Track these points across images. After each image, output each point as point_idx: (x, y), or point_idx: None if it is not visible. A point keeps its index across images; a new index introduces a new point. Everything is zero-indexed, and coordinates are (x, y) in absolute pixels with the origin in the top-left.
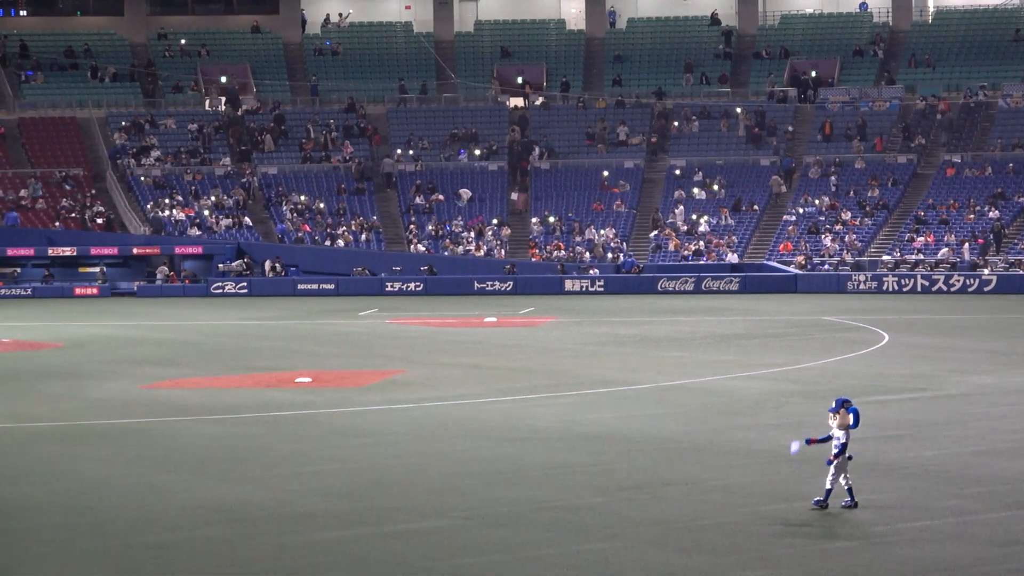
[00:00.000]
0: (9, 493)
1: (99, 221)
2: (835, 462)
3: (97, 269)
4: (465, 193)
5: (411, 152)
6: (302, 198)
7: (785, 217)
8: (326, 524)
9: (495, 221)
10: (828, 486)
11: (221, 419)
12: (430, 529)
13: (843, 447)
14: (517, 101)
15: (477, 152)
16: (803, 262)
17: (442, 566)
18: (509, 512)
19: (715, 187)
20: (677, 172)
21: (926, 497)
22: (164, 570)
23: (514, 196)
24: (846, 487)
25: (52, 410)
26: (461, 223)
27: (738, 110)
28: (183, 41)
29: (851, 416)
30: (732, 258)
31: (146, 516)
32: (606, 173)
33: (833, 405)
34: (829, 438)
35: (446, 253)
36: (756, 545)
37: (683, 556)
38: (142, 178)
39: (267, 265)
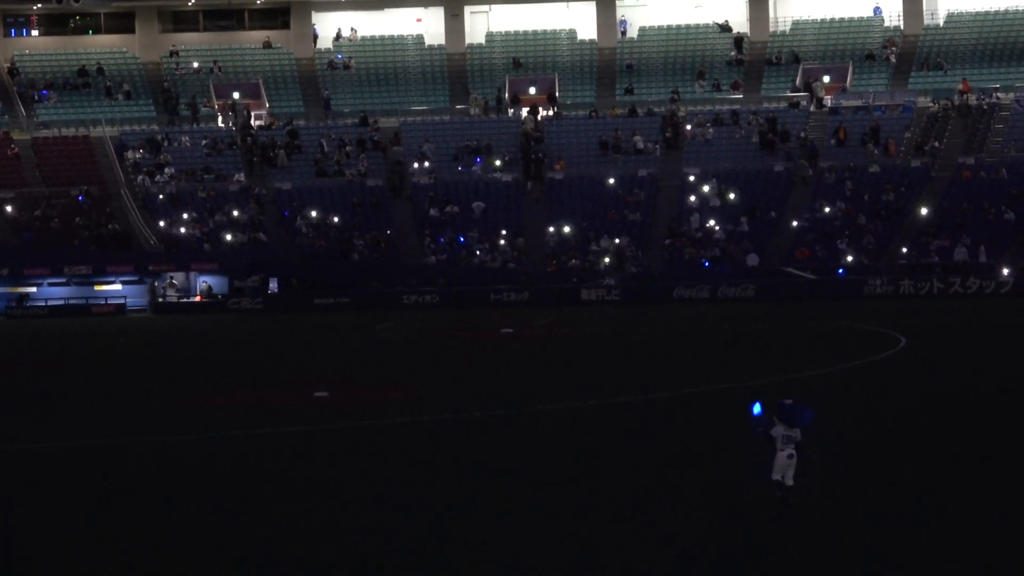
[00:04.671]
0: (33, 514)
1: (113, 239)
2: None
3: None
4: (478, 207)
5: (426, 164)
6: (313, 213)
7: (800, 223)
8: (349, 540)
9: (506, 231)
10: (790, 482)
11: (239, 434)
12: (449, 544)
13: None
14: (531, 123)
15: (497, 163)
16: (818, 267)
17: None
18: (528, 523)
19: (730, 194)
20: (691, 179)
21: (942, 499)
22: None
23: (529, 186)
24: (788, 483)
25: (72, 429)
26: (476, 235)
27: (751, 116)
28: (196, 64)
29: (796, 415)
30: (752, 259)
31: (168, 532)
32: (612, 181)
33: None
34: (770, 436)
35: (462, 265)
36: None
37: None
38: (159, 196)
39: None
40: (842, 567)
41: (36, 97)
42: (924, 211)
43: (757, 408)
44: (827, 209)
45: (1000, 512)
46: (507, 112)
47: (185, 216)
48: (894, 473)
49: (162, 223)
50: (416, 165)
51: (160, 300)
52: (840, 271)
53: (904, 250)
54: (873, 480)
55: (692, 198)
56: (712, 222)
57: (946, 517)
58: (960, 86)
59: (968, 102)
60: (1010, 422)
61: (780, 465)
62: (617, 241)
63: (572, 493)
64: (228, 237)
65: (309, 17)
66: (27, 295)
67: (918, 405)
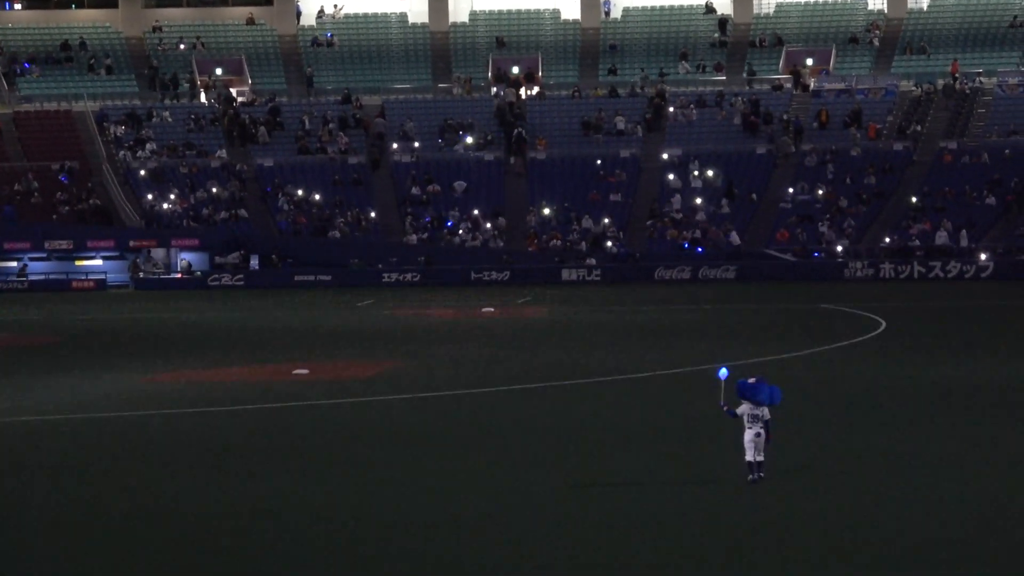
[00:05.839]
0: (15, 488)
1: (94, 214)
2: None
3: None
4: (460, 185)
5: (413, 144)
6: (299, 191)
7: (781, 205)
8: (332, 518)
9: (488, 211)
10: (760, 457)
11: (220, 411)
12: (431, 523)
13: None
14: (513, 96)
15: (470, 140)
16: (799, 250)
17: (451, 557)
18: (509, 513)
19: (711, 175)
20: (673, 161)
21: (921, 479)
22: (177, 568)
23: (511, 160)
24: (759, 458)
25: (54, 404)
26: (458, 213)
27: (734, 98)
28: (181, 44)
29: (756, 393)
30: (734, 238)
31: (154, 511)
32: (599, 162)
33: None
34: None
35: (443, 244)
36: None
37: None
38: (140, 172)
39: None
40: (813, 545)
41: (18, 71)
42: (905, 195)
43: (723, 372)
44: (812, 191)
45: (973, 496)
46: (490, 91)
47: (167, 192)
48: (867, 453)
49: (144, 199)
50: (397, 145)
51: (140, 275)
52: (816, 254)
53: (887, 238)
54: (846, 459)
55: (671, 176)
56: (695, 204)
57: (916, 494)
58: (949, 67)
59: (955, 85)
60: (985, 404)
61: (748, 444)
62: (603, 222)
63: (548, 473)
64: (209, 213)
65: None
66: (26, 266)
67: (897, 387)
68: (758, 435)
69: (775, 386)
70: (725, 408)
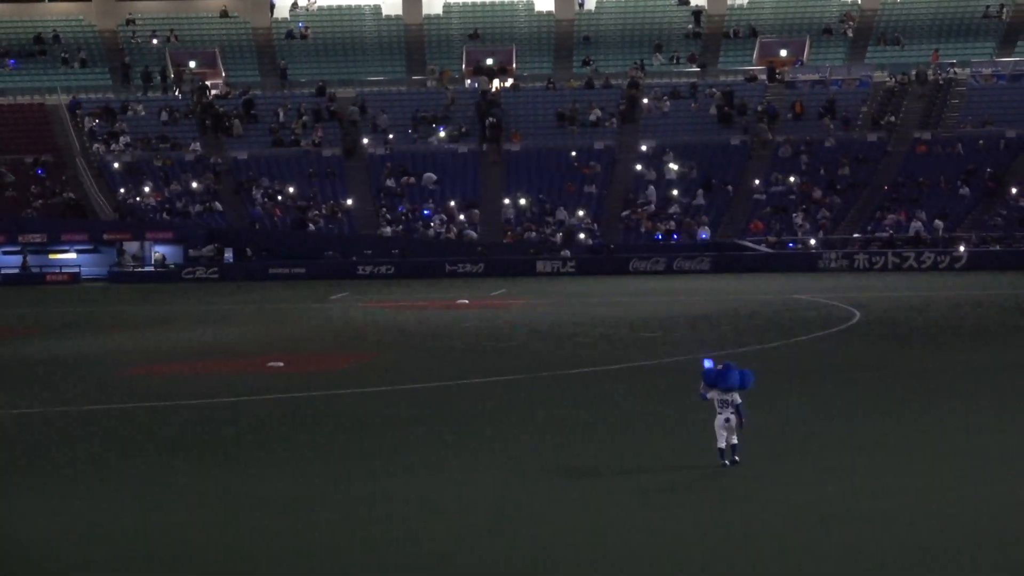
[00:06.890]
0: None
1: (68, 208)
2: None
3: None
4: (429, 178)
5: (388, 136)
6: (273, 184)
7: (756, 196)
8: (320, 508)
9: (462, 203)
10: (734, 441)
11: (195, 404)
12: (405, 514)
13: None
14: (487, 84)
15: (442, 134)
16: (774, 241)
17: (418, 549)
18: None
19: (686, 167)
20: (647, 151)
21: (894, 472)
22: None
23: (484, 148)
24: (733, 441)
25: (30, 397)
26: (432, 205)
27: (708, 90)
28: (154, 37)
29: (723, 379)
30: (704, 233)
31: (139, 504)
32: (574, 153)
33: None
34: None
35: (417, 236)
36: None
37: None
38: (115, 165)
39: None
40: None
41: None
42: (880, 185)
43: (708, 363)
44: (790, 179)
45: (969, 490)
46: (464, 83)
47: (141, 185)
48: (841, 442)
49: (118, 192)
50: (370, 139)
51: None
52: (791, 244)
53: (860, 224)
54: (818, 448)
55: (646, 167)
56: (669, 195)
57: (889, 482)
58: (923, 58)
59: (929, 74)
60: (960, 394)
61: (719, 429)
62: (581, 213)
63: (527, 464)
64: (183, 206)
65: None
66: (27, 257)
67: (872, 377)
68: (727, 420)
69: (746, 370)
70: (701, 392)
